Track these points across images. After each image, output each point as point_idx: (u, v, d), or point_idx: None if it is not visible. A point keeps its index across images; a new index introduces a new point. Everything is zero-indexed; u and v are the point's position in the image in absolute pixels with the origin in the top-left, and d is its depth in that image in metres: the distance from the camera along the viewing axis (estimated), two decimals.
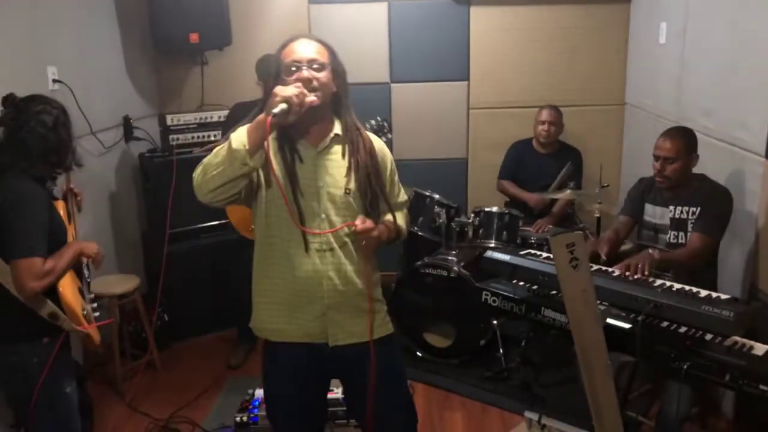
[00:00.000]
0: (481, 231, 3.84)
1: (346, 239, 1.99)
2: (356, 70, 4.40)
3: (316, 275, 1.95)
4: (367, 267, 2.05)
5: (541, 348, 3.62)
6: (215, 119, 4.18)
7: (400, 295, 3.70)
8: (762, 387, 1.94)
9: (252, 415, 3.01)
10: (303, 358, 2.03)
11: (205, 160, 1.85)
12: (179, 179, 3.92)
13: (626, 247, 3.45)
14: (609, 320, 2.32)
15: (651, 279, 2.47)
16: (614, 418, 2.35)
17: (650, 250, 2.64)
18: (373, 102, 4.57)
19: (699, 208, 2.77)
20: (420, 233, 3.94)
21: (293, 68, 1.90)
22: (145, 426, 3.18)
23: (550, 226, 4.00)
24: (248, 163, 1.77)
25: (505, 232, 3.81)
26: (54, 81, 3.25)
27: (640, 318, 2.24)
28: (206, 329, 4.14)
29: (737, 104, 2.98)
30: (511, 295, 2.64)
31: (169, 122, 4.06)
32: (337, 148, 2.00)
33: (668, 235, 2.87)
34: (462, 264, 3.61)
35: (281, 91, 1.78)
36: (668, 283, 2.41)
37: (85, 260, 2.44)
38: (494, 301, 2.71)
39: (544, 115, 4.21)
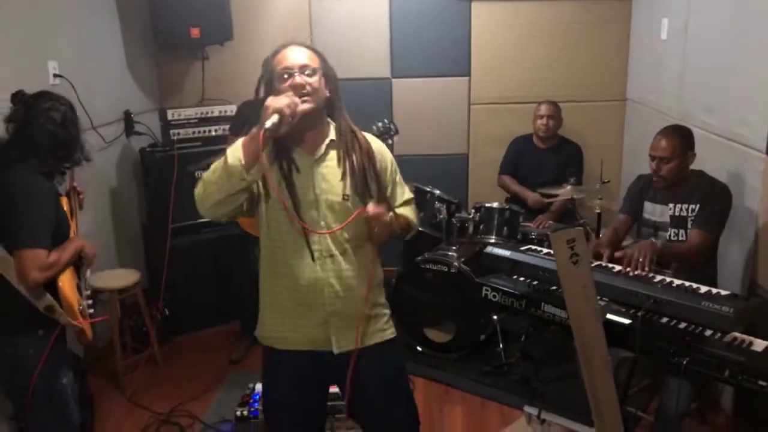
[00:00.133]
0: (481, 227, 3.85)
1: (347, 245, 1.98)
2: (357, 65, 4.50)
3: (317, 283, 1.95)
4: (375, 260, 2.05)
5: (541, 343, 3.63)
6: (216, 114, 4.18)
7: (401, 291, 3.71)
8: (761, 382, 1.94)
9: (252, 409, 3.02)
10: (307, 365, 2.03)
11: (205, 176, 1.87)
12: (180, 174, 3.93)
13: (626, 242, 3.45)
14: (609, 316, 2.32)
15: (651, 275, 2.48)
16: (614, 414, 2.36)
17: (652, 239, 2.63)
18: (374, 97, 4.57)
19: (698, 205, 2.77)
20: (420, 229, 3.95)
21: (285, 75, 1.91)
22: (146, 420, 3.19)
23: (551, 222, 4.00)
24: (246, 177, 1.79)
25: (505, 228, 3.81)
26: (55, 76, 3.25)
27: (639, 314, 2.24)
28: (207, 324, 4.15)
29: (738, 100, 2.98)
30: (512, 291, 2.65)
31: (169, 117, 4.06)
32: (333, 154, 1.99)
33: (668, 233, 2.87)
34: (462, 259, 3.62)
35: (273, 102, 1.79)
36: (668, 279, 2.42)
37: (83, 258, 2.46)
38: (494, 296, 2.71)
39: (543, 109, 4.21)
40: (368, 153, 2.02)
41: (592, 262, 2.40)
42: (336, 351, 2.00)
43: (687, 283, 2.35)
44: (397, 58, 4.64)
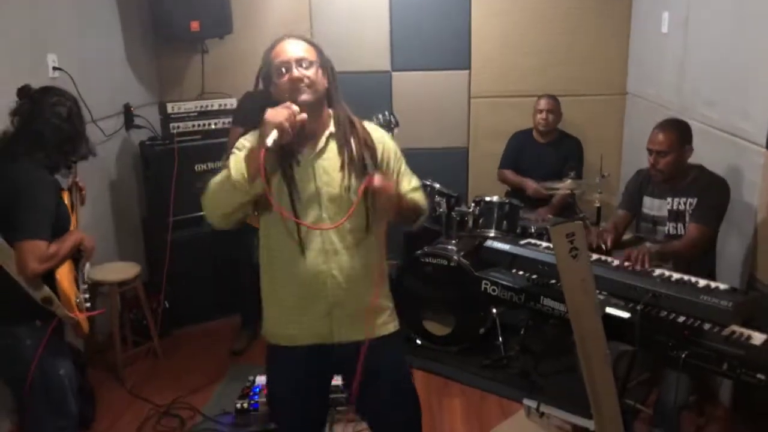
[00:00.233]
0: (481, 220, 3.85)
1: (349, 237, 1.97)
2: (357, 58, 4.50)
3: (319, 275, 1.96)
4: (380, 251, 2.04)
5: (540, 337, 3.64)
6: (216, 107, 4.17)
7: (401, 284, 3.72)
8: (759, 376, 1.95)
9: (253, 402, 3.04)
10: (311, 359, 2.04)
11: (211, 189, 1.94)
12: (180, 167, 3.93)
13: (626, 237, 3.46)
14: (608, 309, 2.33)
15: (650, 269, 2.48)
16: (612, 407, 2.37)
17: (648, 244, 2.64)
18: (374, 91, 4.56)
19: (696, 199, 2.77)
20: None
21: (283, 69, 1.91)
22: (146, 412, 3.20)
23: (550, 216, 4.01)
24: (250, 191, 1.86)
25: (505, 222, 3.81)
26: (54, 69, 3.24)
27: (638, 307, 2.25)
28: (207, 316, 4.16)
29: (739, 94, 2.98)
30: (511, 285, 2.66)
31: (169, 110, 4.05)
32: (333, 146, 1.99)
33: (667, 227, 2.87)
34: (462, 253, 3.63)
35: (272, 117, 1.80)
36: (667, 273, 2.43)
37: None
38: (494, 290, 2.72)
39: (542, 104, 4.21)
40: (366, 142, 2.00)
41: (591, 256, 2.41)
42: (338, 341, 2.01)
43: (686, 277, 2.36)
44: (397, 51, 4.63)
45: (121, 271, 3.59)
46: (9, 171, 2.21)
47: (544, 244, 2.77)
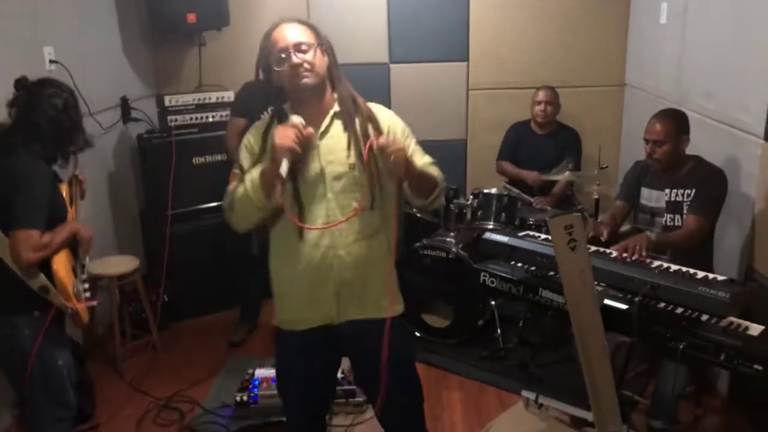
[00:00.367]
0: (479, 212, 3.85)
1: (356, 217, 1.97)
2: (355, 50, 4.48)
3: (326, 257, 1.96)
4: (388, 228, 2.04)
5: (539, 328, 3.65)
6: (213, 100, 4.16)
7: (399, 276, 3.70)
8: (756, 366, 1.96)
9: (252, 395, 3.04)
10: (320, 340, 2.06)
11: (232, 202, 1.99)
12: (178, 160, 3.92)
13: (624, 228, 3.46)
14: (606, 301, 2.33)
15: (648, 260, 2.49)
16: (610, 398, 2.38)
17: (647, 232, 2.65)
18: (372, 83, 4.55)
19: (694, 190, 2.78)
20: (419, 215, 3.95)
21: (282, 55, 1.90)
22: (146, 405, 3.21)
23: (549, 208, 4.01)
24: (268, 206, 1.93)
25: (503, 214, 3.82)
26: (51, 62, 3.23)
27: (637, 299, 2.26)
28: (206, 310, 4.16)
29: (737, 86, 2.97)
30: (509, 276, 2.66)
31: (167, 103, 4.04)
32: (338, 125, 1.99)
33: (664, 218, 2.87)
34: (460, 245, 3.63)
35: (281, 141, 1.82)
36: (665, 265, 2.43)
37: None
38: (492, 282, 2.73)
39: (541, 95, 4.20)
40: (370, 118, 2.00)
41: (589, 248, 2.41)
42: (343, 319, 2.02)
43: (684, 269, 2.36)
44: (395, 43, 4.62)
45: (120, 264, 3.59)
46: (5, 162, 2.22)
47: (543, 235, 2.77)
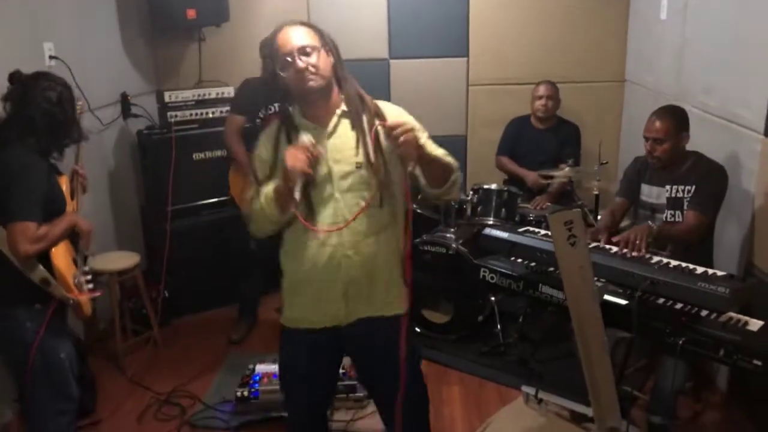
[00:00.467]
0: (479, 208, 3.85)
1: (362, 215, 1.97)
2: (355, 46, 4.47)
3: (333, 257, 1.97)
4: (397, 225, 2.04)
5: (539, 324, 3.66)
6: (213, 96, 4.15)
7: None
8: (756, 362, 1.96)
9: (253, 390, 3.05)
10: (325, 340, 2.07)
11: (253, 220, 2.05)
12: (178, 156, 3.92)
13: (625, 223, 3.46)
14: (606, 297, 2.34)
15: (648, 256, 2.49)
16: (610, 393, 2.39)
17: (649, 222, 2.64)
18: (372, 78, 4.54)
19: (694, 186, 2.78)
20: (419, 210, 3.95)
21: (287, 60, 1.91)
22: (147, 400, 3.22)
23: (549, 204, 4.01)
24: (282, 219, 1.98)
25: (503, 210, 3.82)
26: (51, 57, 3.23)
27: (636, 294, 2.26)
28: (206, 306, 4.17)
29: (738, 81, 2.97)
30: (509, 272, 2.66)
31: (167, 99, 4.04)
32: (346, 124, 1.99)
33: (665, 215, 2.87)
34: (460, 241, 3.63)
35: (293, 164, 1.84)
36: (665, 260, 2.43)
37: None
38: (492, 277, 2.73)
39: (542, 90, 4.20)
40: (377, 116, 1.99)
41: (589, 244, 2.41)
42: (351, 319, 2.02)
43: (683, 264, 2.37)
44: (395, 39, 4.61)
45: (121, 260, 3.59)
46: (1, 156, 2.23)
47: (543, 231, 2.77)
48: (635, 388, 2.89)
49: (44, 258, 2.26)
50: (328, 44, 1.97)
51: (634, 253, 2.50)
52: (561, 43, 4.55)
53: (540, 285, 2.55)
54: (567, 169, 3.76)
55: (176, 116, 4.03)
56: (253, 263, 3.80)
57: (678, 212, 2.83)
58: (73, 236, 2.43)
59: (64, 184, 2.43)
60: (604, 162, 3.81)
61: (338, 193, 1.96)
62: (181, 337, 3.89)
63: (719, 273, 2.27)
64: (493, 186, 3.86)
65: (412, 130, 1.86)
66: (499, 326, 3.64)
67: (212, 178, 3.90)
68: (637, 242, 2.51)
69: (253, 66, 3.53)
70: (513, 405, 3.08)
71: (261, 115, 3.62)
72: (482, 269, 2.76)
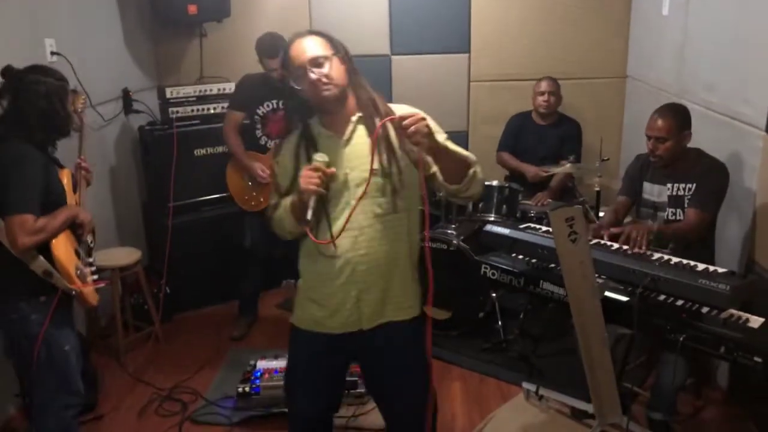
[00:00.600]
0: (480, 204, 3.85)
1: (375, 220, 1.96)
2: (356, 41, 4.35)
3: (347, 264, 1.96)
4: (411, 230, 2.03)
5: (540, 320, 3.66)
6: (215, 92, 4.15)
7: None
8: (756, 359, 1.97)
9: (254, 386, 3.06)
10: (335, 344, 2.06)
11: (275, 226, 2.10)
12: (179, 152, 3.92)
13: (627, 220, 3.46)
14: (607, 293, 2.34)
15: (649, 253, 2.49)
16: (611, 389, 2.39)
17: (649, 221, 2.65)
18: (373, 74, 4.49)
19: (695, 184, 2.77)
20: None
21: (300, 72, 1.92)
22: (149, 396, 3.22)
23: (550, 200, 4.01)
24: (299, 231, 1.98)
25: (504, 206, 3.82)
26: (52, 53, 3.22)
27: (637, 291, 2.26)
28: (208, 302, 4.18)
29: (740, 78, 2.96)
30: (510, 269, 2.67)
31: (168, 95, 4.04)
32: (361, 130, 1.99)
33: (666, 213, 2.87)
34: (462, 237, 3.63)
35: (307, 186, 1.86)
36: (666, 257, 2.43)
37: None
38: (493, 274, 2.73)
39: (543, 86, 4.19)
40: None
41: (590, 240, 2.41)
42: (366, 327, 2.02)
43: (684, 261, 2.37)
44: (397, 35, 4.61)
45: (122, 256, 3.60)
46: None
47: (544, 228, 2.77)
48: (636, 384, 2.90)
49: (45, 250, 2.27)
50: (340, 51, 1.96)
51: (636, 250, 2.50)
52: (562, 39, 4.54)
53: (541, 281, 2.55)
54: (568, 165, 3.76)
55: (177, 112, 4.03)
56: (250, 261, 3.81)
57: (679, 210, 2.83)
58: (75, 228, 2.44)
59: (65, 177, 2.44)
60: (606, 158, 3.81)
61: (354, 200, 1.95)
62: (182, 333, 3.89)
63: (720, 270, 2.28)
64: (495, 182, 3.86)
65: (423, 119, 1.82)
66: (500, 322, 3.65)
67: (214, 174, 3.91)
68: (638, 239, 2.51)
69: (254, 62, 3.54)
70: (514, 401, 3.08)
71: (259, 112, 3.62)
72: (483, 265, 2.76)
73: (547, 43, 4.55)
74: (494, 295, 3.66)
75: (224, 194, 3.88)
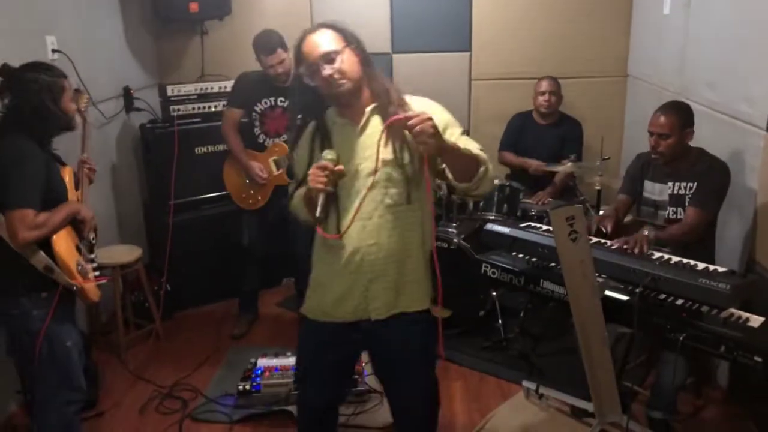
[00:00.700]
0: (481, 203, 3.85)
1: (385, 211, 1.96)
2: None
3: (357, 252, 1.97)
4: (422, 222, 2.02)
5: (540, 319, 3.66)
6: (216, 90, 4.16)
7: None
8: (756, 358, 1.97)
9: (255, 384, 3.06)
10: (344, 333, 2.07)
11: (292, 208, 2.12)
12: (180, 150, 3.92)
13: (627, 219, 3.46)
14: (607, 292, 2.34)
15: (649, 252, 2.49)
16: (611, 388, 2.39)
17: (645, 232, 2.65)
18: None
19: (696, 183, 2.77)
20: None
21: (313, 69, 1.92)
22: (149, 393, 3.23)
23: (550, 199, 4.01)
24: (314, 220, 1.97)
25: (505, 205, 3.82)
26: (53, 51, 3.23)
27: (637, 290, 2.27)
28: (208, 299, 4.18)
29: (741, 77, 2.96)
30: (511, 267, 2.67)
31: (169, 93, 4.04)
32: (376, 120, 1.99)
33: (667, 211, 2.87)
34: (462, 236, 3.63)
35: (313, 183, 1.87)
36: (666, 256, 2.44)
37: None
38: (494, 272, 2.74)
39: (544, 85, 4.19)
40: (402, 109, 1.96)
41: (590, 239, 2.41)
42: (374, 318, 2.03)
43: (684, 260, 2.37)
44: (398, 33, 4.60)
45: (123, 253, 3.60)
46: None
47: (544, 227, 2.77)
48: (636, 383, 2.90)
49: (46, 245, 2.28)
50: (353, 43, 1.96)
51: (636, 250, 2.50)
52: (564, 37, 4.54)
53: (541, 280, 2.55)
54: (569, 164, 3.76)
55: (179, 110, 4.04)
56: (248, 259, 3.81)
57: (680, 209, 2.83)
58: (77, 224, 2.44)
59: (67, 174, 2.44)
60: (607, 157, 3.81)
61: (365, 190, 1.95)
62: (183, 331, 3.90)
63: (720, 269, 2.28)
64: (496, 181, 3.85)
65: (430, 119, 1.79)
66: (500, 321, 3.65)
67: (215, 172, 3.91)
68: (636, 251, 2.50)
69: (255, 60, 3.54)
70: (514, 399, 3.09)
71: (257, 109, 3.62)
72: (484, 264, 2.76)
73: (549, 42, 4.55)
74: (494, 293, 3.66)
75: (225, 192, 3.89)
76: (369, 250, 1.97)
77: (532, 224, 2.84)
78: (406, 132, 1.86)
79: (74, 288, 2.35)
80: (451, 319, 3.71)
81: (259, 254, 3.80)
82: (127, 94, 4.08)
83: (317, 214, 1.88)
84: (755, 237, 2.87)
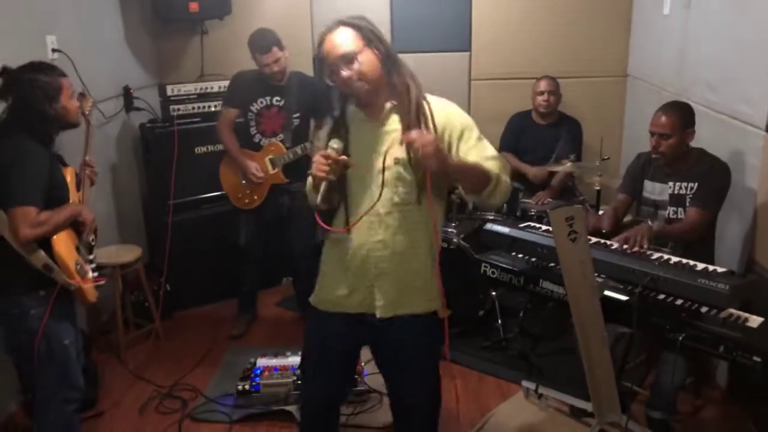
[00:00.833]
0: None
1: (394, 209, 1.97)
2: None
3: (362, 247, 1.98)
4: (428, 222, 2.02)
5: (539, 319, 3.66)
6: (215, 89, 4.16)
7: None
8: (755, 358, 1.97)
9: (254, 383, 3.06)
10: (350, 325, 2.08)
11: (306, 191, 2.11)
12: (180, 150, 3.92)
13: (627, 218, 3.46)
14: (606, 292, 2.34)
15: (648, 252, 2.49)
16: (610, 388, 2.40)
17: (648, 222, 2.65)
18: None
19: (697, 183, 2.78)
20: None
21: (333, 68, 1.92)
22: (149, 393, 3.23)
23: (550, 199, 4.01)
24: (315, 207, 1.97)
25: (505, 205, 3.82)
26: (53, 50, 3.23)
27: (637, 290, 2.27)
28: (208, 299, 4.18)
29: (740, 77, 2.96)
30: (510, 267, 2.67)
31: (169, 92, 4.04)
32: (394, 118, 1.98)
33: (667, 212, 2.88)
34: (462, 236, 3.63)
35: (316, 171, 1.88)
36: (665, 257, 2.44)
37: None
38: (493, 272, 2.74)
39: (543, 85, 4.19)
40: (419, 110, 1.96)
41: (590, 239, 2.42)
42: (379, 315, 2.03)
43: (684, 261, 2.37)
44: (398, 33, 4.60)
45: (123, 253, 3.60)
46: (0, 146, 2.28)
47: (544, 227, 2.78)
48: (635, 383, 2.90)
49: (45, 244, 2.28)
50: (373, 41, 1.94)
51: (635, 249, 2.50)
52: (563, 37, 4.54)
53: (541, 280, 2.55)
54: (569, 164, 3.76)
55: (178, 110, 4.04)
56: (245, 259, 3.81)
57: (680, 209, 2.83)
58: (77, 225, 2.45)
59: (68, 175, 2.45)
60: (606, 157, 3.81)
61: (375, 187, 1.95)
62: (182, 330, 3.90)
63: (719, 269, 2.28)
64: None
65: (432, 144, 1.79)
66: (499, 321, 3.65)
67: (214, 172, 3.90)
68: (638, 238, 2.51)
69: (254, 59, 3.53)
70: (513, 399, 3.09)
71: (253, 109, 3.62)
72: (483, 264, 2.77)
73: (549, 42, 4.55)
74: (494, 293, 3.66)
75: (225, 192, 3.89)
76: (375, 246, 1.98)
77: (532, 224, 2.84)
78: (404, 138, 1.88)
79: (72, 287, 2.35)
80: (451, 318, 3.66)
81: (256, 254, 3.80)
82: (127, 94, 4.08)
83: (317, 201, 1.89)
84: (755, 237, 2.87)
